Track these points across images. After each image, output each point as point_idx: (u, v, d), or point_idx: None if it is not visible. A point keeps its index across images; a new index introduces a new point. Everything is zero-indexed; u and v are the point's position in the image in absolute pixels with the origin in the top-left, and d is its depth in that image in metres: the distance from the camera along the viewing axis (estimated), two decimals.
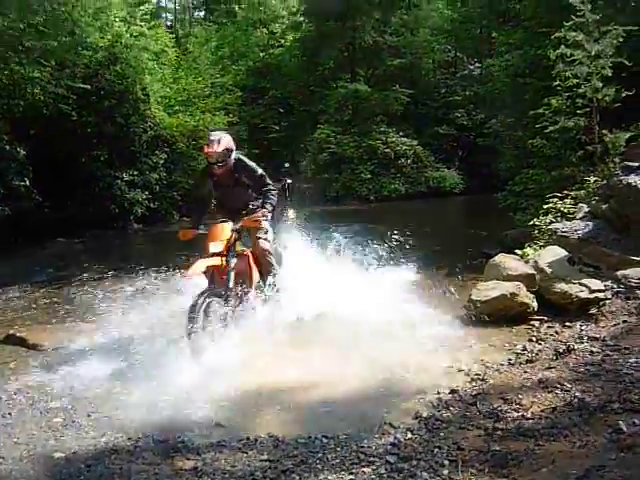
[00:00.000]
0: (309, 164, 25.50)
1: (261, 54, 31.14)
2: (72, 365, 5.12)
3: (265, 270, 5.78)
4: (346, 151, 24.16)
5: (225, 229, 5.36)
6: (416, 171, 24.42)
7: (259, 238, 5.71)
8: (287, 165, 22.53)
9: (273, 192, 5.66)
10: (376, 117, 24.67)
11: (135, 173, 17.51)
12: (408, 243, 11.28)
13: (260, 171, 5.69)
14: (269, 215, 5.59)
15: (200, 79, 21.77)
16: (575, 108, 8.96)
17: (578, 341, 4.82)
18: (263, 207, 5.54)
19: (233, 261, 5.29)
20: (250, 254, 5.76)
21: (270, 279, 5.76)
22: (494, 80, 15.48)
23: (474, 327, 5.75)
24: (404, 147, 24.17)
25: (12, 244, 14.07)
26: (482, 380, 4.28)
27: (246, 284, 5.58)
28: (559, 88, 9.04)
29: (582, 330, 5.14)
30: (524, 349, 4.94)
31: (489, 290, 5.97)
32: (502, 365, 4.59)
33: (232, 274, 5.25)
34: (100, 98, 16.07)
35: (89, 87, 15.22)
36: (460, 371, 4.59)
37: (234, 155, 5.61)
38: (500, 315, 5.79)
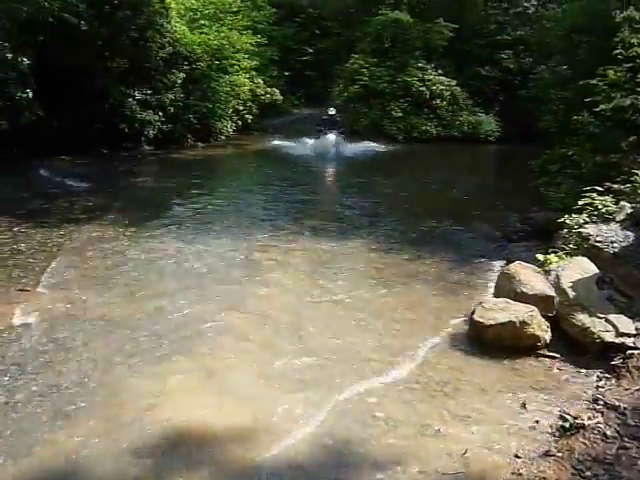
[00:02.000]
0: (339, 94, 24.04)
1: None
2: None
3: None
4: (379, 85, 22.54)
5: None
6: (451, 113, 22.74)
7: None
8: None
9: None
10: (415, 51, 22.80)
11: (149, 92, 16.44)
12: (425, 213, 10.32)
13: None
14: None
15: None
16: (635, 84, 7.60)
17: (591, 407, 3.93)
18: None
19: None
20: None
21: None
22: (546, 32, 13.77)
23: (470, 356, 4.87)
24: (441, 87, 22.41)
25: (10, 160, 13.38)
26: (462, 468, 3.43)
27: None
28: (620, 57, 7.65)
29: (599, 387, 4.23)
30: (523, 406, 4.06)
31: (496, 311, 5.04)
32: (491, 437, 3.71)
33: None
34: (113, 8, 14.80)
35: None
36: (436, 438, 3.73)
37: None
38: (505, 344, 4.90)
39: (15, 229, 8.23)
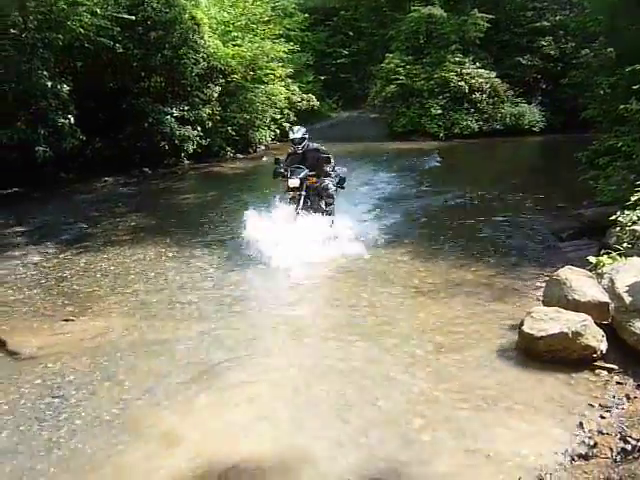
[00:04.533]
0: (376, 95, 23.86)
1: None
2: None
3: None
4: (416, 83, 22.32)
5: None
6: (492, 106, 22.34)
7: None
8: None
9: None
10: (451, 45, 22.41)
11: (186, 108, 16.62)
12: (471, 213, 10.02)
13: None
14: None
15: (259, 2, 20.12)
16: None
17: None
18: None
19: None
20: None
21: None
22: (587, 15, 13.24)
23: (522, 369, 4.62)
24: (480, 80, 21.99)
25: (56, 184, 13.74)
26: None
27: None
28: None
29: None
30: (581, 425, 3.81)
31: (546, 322, 4.77)
32: (546, 463, 3.48)
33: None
34: (146, 29, 15.03)
35: (134, 18, 14.14)
36: (487, 460, 3.53)
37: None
38: (557, 357, 4.63)
39: (61, 256, 8.38)
